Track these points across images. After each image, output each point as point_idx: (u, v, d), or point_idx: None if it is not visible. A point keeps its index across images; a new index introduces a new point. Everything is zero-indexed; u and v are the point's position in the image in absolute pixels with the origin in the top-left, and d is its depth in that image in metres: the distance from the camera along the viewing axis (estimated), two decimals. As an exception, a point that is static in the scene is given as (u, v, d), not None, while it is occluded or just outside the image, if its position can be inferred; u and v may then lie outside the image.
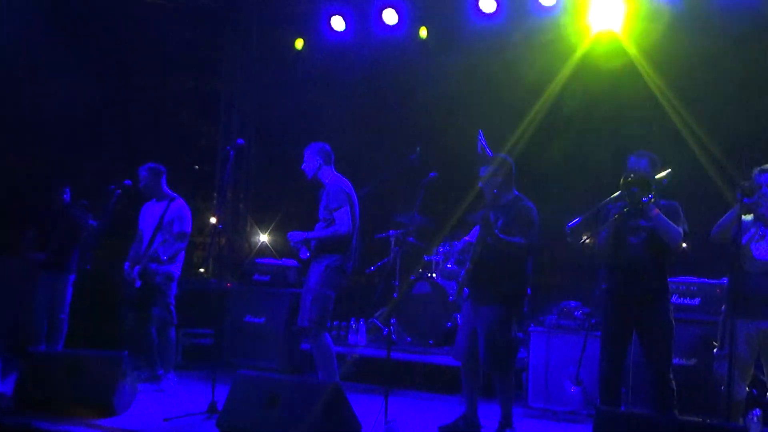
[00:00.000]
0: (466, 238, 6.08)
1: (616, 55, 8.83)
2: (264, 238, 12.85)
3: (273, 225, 12.83)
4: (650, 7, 8.49)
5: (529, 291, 8.87)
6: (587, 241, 5.50)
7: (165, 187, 7.49)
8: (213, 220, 10.26)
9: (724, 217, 5.29)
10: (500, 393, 5.85)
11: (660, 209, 5.19)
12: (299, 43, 10.72)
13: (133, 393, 6.18)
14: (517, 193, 5.96)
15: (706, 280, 6.88)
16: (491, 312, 5.71)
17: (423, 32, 9.93)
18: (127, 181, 7.45)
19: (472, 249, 5.83)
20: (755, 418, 5.32)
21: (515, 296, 5.86)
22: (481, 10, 9.26)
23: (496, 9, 9.21)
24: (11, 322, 7.80)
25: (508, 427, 5.77)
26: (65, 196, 7.84)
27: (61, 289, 7.61)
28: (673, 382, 5.28)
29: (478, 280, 5.79)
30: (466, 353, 5.90)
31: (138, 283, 7.17)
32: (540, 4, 8.92)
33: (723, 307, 5.89)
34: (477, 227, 5.97)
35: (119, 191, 7.42)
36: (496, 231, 5.63)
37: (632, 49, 8.50)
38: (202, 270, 11.14)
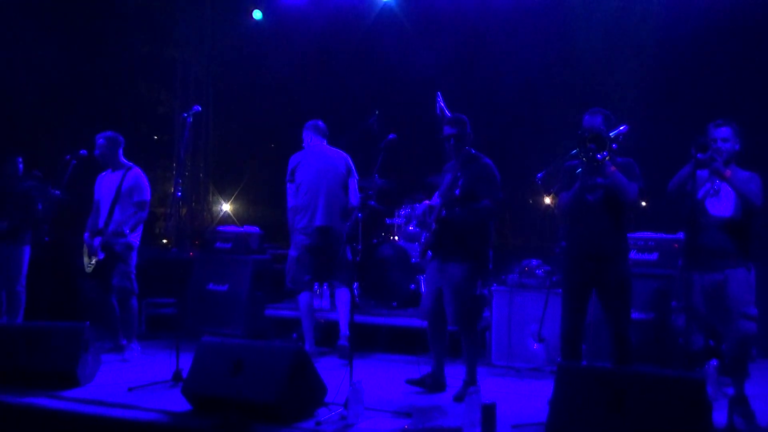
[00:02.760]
0: (427, 201, 6.09)
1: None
2: (226, 206, 12.82)
3: (235, 193, 12.81)
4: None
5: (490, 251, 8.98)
6: (556, 191, 5.52)
7: (122, 156, 7.37)
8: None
9: (679, 173, 5.33)
10: (466, 350, 5.90)
11: (616, 166, 5.21)
12: (257, 14, 10.61)
13: (97, 364, 6.14)
14: (474, 151, 5.96)
15: (664, 235, 6.96)
16: (457, 269, 5.75)
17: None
18: (83, 151, 7.34)
19: (436, 209, 5.85)
20: (712, 368, 5.42)
21: (480, 254, 5.92)
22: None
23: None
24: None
25: (473, 385, 5.80)
26: (18, 166, 7.71)
27: (16, 262, 7.49)
28: (631, 336, 5.34)
29: (443, 240, 5.82)
30: (432, 313, 5.94)
31: (101, 255, 7.10)
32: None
33: (680, 261, 5.98)
34: (440, 190, 5.99)
35: (75, 161, 7.30)
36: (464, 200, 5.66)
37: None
38: (165, 241, 11.05)
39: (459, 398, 5.69)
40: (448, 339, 6.17)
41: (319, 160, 7.27)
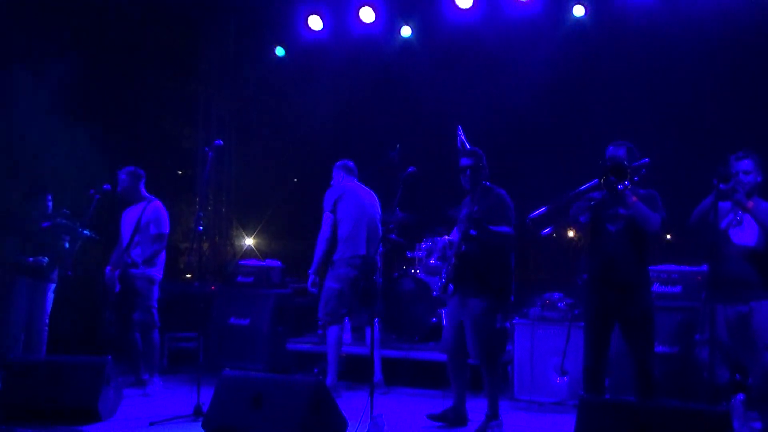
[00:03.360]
0: (447, 237, 6.10)
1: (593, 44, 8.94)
2: (249, 241, 12.85)
3: (258, 227, 12.85)
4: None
5: (513, 284, 8.94)
6: (551, 233, 5.51)
7: (143, 190, 7.47)
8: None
9: (701, 204, 5.31)
10: (487, 384, 5.86)
11: (638, 198, 5.20)
12: (280, 51, 10.72)
13: (118, 398, 6.14)
14: (488, 184, 5.98)
15: (687, 267, 6.92)
16: (478, 304, 5.75)
17: (406, 31, 9.95)
18: (107, 186, 7.40)
19: (456, 244, 5.85)
20: (738, 402, 5.34)
21: (501, 288, 5.92)
22: (457, 5, 9.29)
23: (473, 4, 9.24)
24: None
25: (495, 419, 5.77)
26: (48, 203, 7.76)
27: (41, 298, 7.49)
28: (655, 370, 5.28)
29: (463, 274, 5.83)
30: (454, 347, 5.93)
31: (117, 287, 7.15)
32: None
33: (703, 294, 5.92)
34: (458, 225, 5.99)
35: (98, 196, 7.36)
36: (485, 223, 5.66)
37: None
38: (189, 276, 11.08)
39: None
40: (470, 373, 6.13)
41: (358, 196, 7.38)
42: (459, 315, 5.88)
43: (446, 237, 6.12)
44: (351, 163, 7.57)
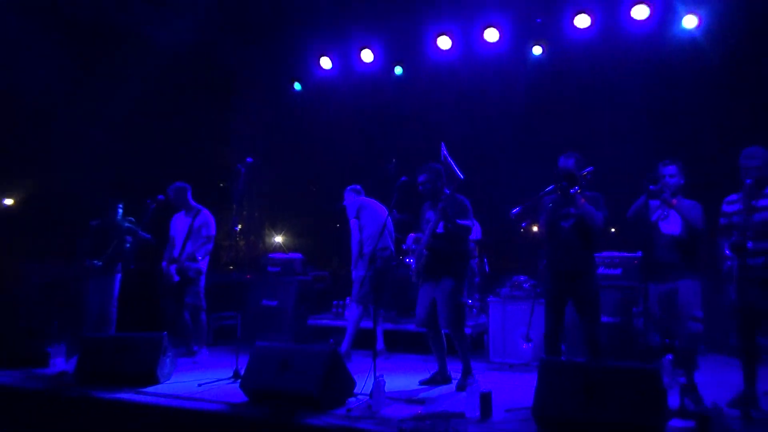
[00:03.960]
0: (413, 234, 6.12)
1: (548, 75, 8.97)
2: (278, 238, 12.88)
3: (284, 227, 12.87)
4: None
5: (487, 269, 8.91)
6: (527, 225, 5.51)
7: (191, 200, 7.47)
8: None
9: (636, 202, 5.31)
10: (459, 349, 5.87)
11: (585, 199, 5.20)
12: (297, 85, 10.73)
13: (173, 365, 6.14)
14: (447, 191, 5.96)
15: (626, 253, 6.92)
16: (448, 283, 5.77)
17: (398, 69, 9.95)
18: (161, 197, 7.41)
19: (425, 239, 5.87)
20: (667, 362, 5.34)
21: (462, 270, 5.92)
22: (439, 47, 9.29)
23: (451, 46, 9.25)
24: (73, 314, 7.71)
25: (470, 375, 5.80)
26: (118, 211, 7.76)
27: (109, 287, 7.51)
28: (601, 336, 5.29)
29: (435, 261, 5.85)
30: (429, 321, 5.92)
31: (176, 278, 7.17)
32: (486, 41, 8.99)
33: (639, 275, 5.91)
34: (423, 224, 6.00)
35: (154, 205, 7.38)
36: (452, 217, 5.69)
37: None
38: (231, 267, 11.11)
39: (461, 387, 5.66)
40: (446, 341, 6.12)
41: (373, 205, 7.43)
42: (432, 294, 5.88)
43: (412, 234, 6.11)
44: (358, 186, 7.61)
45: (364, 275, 7.16)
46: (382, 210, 7.42)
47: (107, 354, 5.92)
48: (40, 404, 5.46)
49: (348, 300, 8.37)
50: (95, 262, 7.42)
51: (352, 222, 7.39)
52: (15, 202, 12.10)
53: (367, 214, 7.36)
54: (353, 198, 7.53)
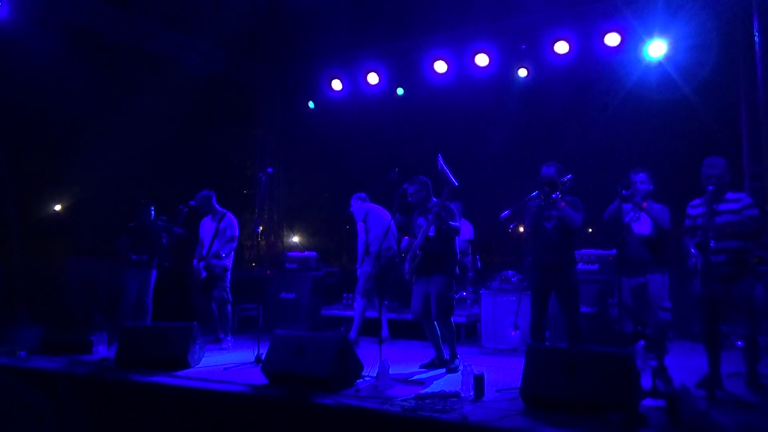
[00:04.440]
0: (406, 237, 6.05)
1: (532, 94, 8.93)
2: (295, 238, 12.85)
3: (300, 229, 12.84)
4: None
5: (479, 265, 8.83)
6: (515, 226, 5.46)
7: (216, 205, 7.43)
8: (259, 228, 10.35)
9: (610, 206, 5.26)
10: (446, 336, 5.82)
11: (566, 203, 5.15)
12: (311, 104, 10.72)
13: (202, 352, 6.12)
14: (436, 199, 5.89)
15: (602, 251, 6.87)
16: (440, 280, 5.71)
17: (400, 90, 9.92)
18: (192, 202, 7.39)
19: (418, 242, 5.80)
20: (639, 347, 5.28)
21: (452, 268, 5.84)
22: (435, 71, 9.26)
23: (447, 70, 9.22)
24: (113, 306, 7.69)
25: (456, 357, 5.78)
26: (151, 213, 7.77)
27: (146, 280, 7.51)
28: (581, 324, 5.24)
29: (428, 260, 5.77)
30: (423, 313, 5.86)
31: (204, 274, 7.13)
32: (477, 65, 8.96)
33: (613, 270, 5.84)
34: (416, 229, 5.92)
35: (185, 210, 7.35)
36: (445, 219, 5.63)
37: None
38: (254, 264, 11.09)
39: (451, 370, 5.65)
40: (438, 330, 6.05)
41: (378, 210, 7.37)
42: (425, 289, 5.81)
43: (406, 238, 6.05)
44: (363, 194, 7.54)
45: (370, 271, 7.10)
46: (385, 214, 7.37)
47: (144, 342, 5.89)
48: (85, 387, 5.44)
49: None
50: (142, 256, 7.39)
51: (359, 225, 7.35)
52: (62, 207, 12.13)
53: (372, 218, 7.32)
54: (359, 204, 7.48)
